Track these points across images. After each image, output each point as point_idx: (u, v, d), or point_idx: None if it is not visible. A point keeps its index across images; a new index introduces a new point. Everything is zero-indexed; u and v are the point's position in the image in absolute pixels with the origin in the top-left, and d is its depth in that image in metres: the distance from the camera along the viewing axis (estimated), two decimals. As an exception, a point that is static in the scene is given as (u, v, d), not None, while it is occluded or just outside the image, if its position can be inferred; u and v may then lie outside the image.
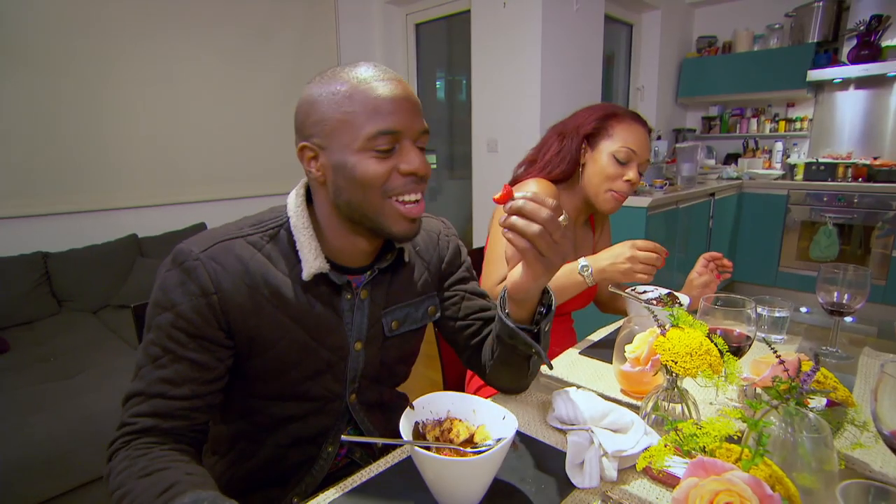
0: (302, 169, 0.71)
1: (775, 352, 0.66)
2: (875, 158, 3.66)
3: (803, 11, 3.79)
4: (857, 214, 3.45)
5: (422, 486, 0.61)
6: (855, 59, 3.55)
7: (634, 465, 0.63)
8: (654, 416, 0.73)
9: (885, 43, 3.50)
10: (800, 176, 3.81)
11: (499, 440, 0.58)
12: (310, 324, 0.71)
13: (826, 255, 3.55)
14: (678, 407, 0.72)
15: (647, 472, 0.63)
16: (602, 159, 1.15)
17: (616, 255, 1.01)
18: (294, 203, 0.72)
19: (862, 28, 3.49)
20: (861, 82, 3.73)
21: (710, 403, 0.83)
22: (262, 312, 0.68)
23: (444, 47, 3.76)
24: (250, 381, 0.72)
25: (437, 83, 3.87)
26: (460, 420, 0.63)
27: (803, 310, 1.24)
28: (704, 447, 0.48)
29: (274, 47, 3.17)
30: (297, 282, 0.70)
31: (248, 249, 0.68)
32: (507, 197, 0.61)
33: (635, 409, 0.78)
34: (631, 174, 1.14)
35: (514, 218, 0.60)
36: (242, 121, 3.08)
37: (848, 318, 1.15)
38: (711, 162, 4.24)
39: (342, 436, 0.66)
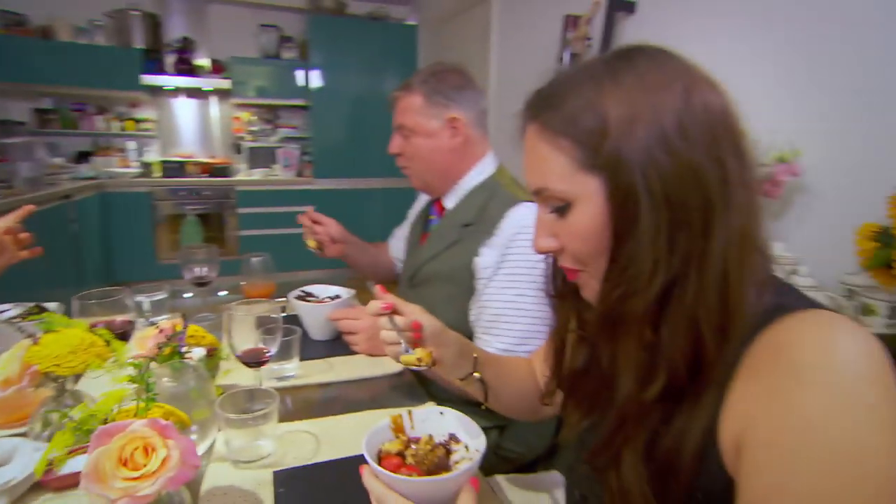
0: None
1: (154, 324, 0.76)
2: (212, 157, 4.43)
3: (121, 15, 3.92)
4: (210, 204, 4.11)
5: None
6: (178, 72, 4.08)
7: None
8: (46, 432, 0.67)
9: (197, 61, 4.21)
10: (158, 173, 4.10)
11: None
12: None
13: (194, 242, 4.06)
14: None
15: (48, 484, 0.59)
16: None
17: None
18: None
19: (177, 45, 4.04)
20: (188, 92, 4.34)
21: None
22: None
23: None
24: None
25: None
26: None
27: (222, 293, 1.44)
28: (106, 419, 0.51)
29: None
30: None
31: None
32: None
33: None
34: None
35: None
36: None
37: (222, 293, 1.42)
38: (59, 160, 3.85)
39: None
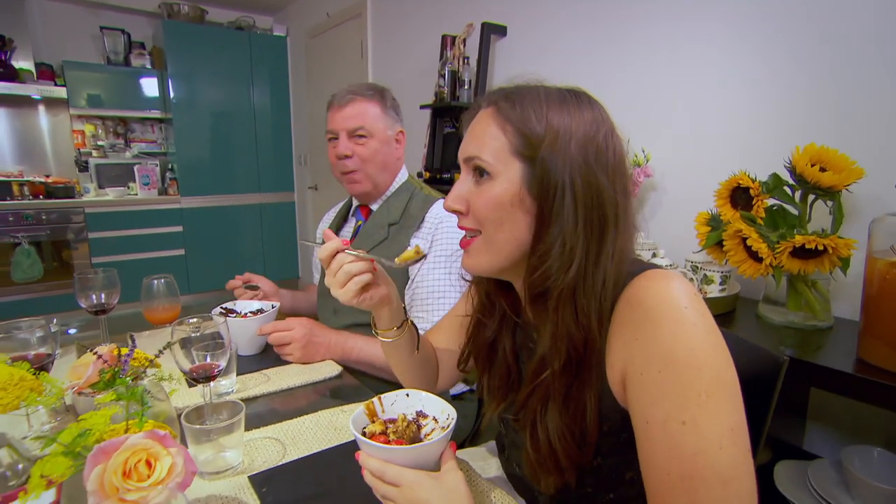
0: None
1: (91, 350, 0.71)
2: (47, 176, 3.84)
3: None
4: (49, 230, 3.55)
5: None
6: (-6, 77, 3.47)
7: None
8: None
9: (18, 65, 3.61)
10: (-29, 197, 3.43)
11: None
12: None
13: (30, 274, 3.47)
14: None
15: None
16: None
17: None
18: None
19: (-11, 45, 3.44)
20: (7, 101, 3.71)
21: (43, 424, 0.76)
22: None
23: None
24: None
25: None
26: None
27: (72, 331, 1.31)
28: (100, 438, 0.49)
29: None
30: None
31: None
32: None
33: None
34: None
35: None
36: None
37: (72, 331, 1.29)
38: None
39: None
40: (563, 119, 0.59)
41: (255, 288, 1.34)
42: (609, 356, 0.58)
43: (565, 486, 0.64)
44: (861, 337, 1.02)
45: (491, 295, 0.74)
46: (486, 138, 0.62)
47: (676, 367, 0.51)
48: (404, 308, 0.79)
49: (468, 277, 0.81)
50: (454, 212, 0.66)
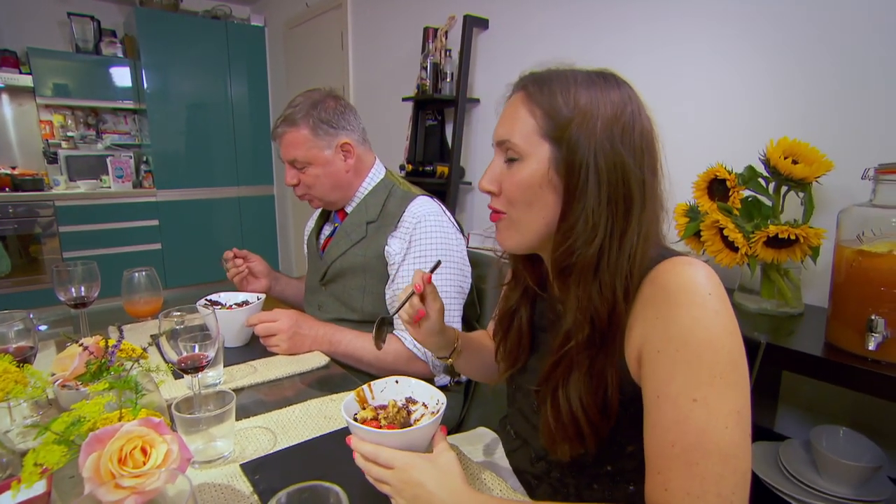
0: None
1: (77, 342, 0.70)
2: (13, 168, 3.71)
3: None
4: (16, 224, 3.43)
5: None
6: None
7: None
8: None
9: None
10: (-66, 190, 3.30)
11: None
12: None
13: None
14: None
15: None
16: None
17: None
18: None
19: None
20: (-34, 89, 3.57)
21: (25, 418, 0.75)
22: None
23: None
24: None
25: None
26: None
27: (43, 328, 1.28)
28: (93, 427, 0.49)
29: None
30: None
31: None
32: None
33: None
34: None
35: None
36: None
37: (43, 327, 1.26)
38: None
39: None
40: (589, 101, 0.61)
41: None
42: (629, 333, 0.60)
43: (579, 456, 0.66)
44: (829, 322, 1.07)
45: (518, 268, 0.78)
46: (516, 122, 0.64)
47: (695, 348, 0.53)
48: (454, 348, 0.84)
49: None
50: (488, 192, 0.69)
